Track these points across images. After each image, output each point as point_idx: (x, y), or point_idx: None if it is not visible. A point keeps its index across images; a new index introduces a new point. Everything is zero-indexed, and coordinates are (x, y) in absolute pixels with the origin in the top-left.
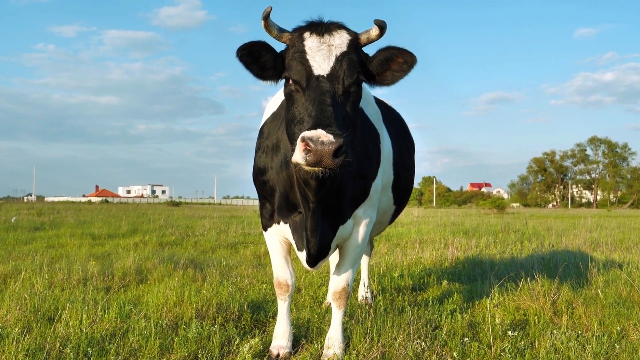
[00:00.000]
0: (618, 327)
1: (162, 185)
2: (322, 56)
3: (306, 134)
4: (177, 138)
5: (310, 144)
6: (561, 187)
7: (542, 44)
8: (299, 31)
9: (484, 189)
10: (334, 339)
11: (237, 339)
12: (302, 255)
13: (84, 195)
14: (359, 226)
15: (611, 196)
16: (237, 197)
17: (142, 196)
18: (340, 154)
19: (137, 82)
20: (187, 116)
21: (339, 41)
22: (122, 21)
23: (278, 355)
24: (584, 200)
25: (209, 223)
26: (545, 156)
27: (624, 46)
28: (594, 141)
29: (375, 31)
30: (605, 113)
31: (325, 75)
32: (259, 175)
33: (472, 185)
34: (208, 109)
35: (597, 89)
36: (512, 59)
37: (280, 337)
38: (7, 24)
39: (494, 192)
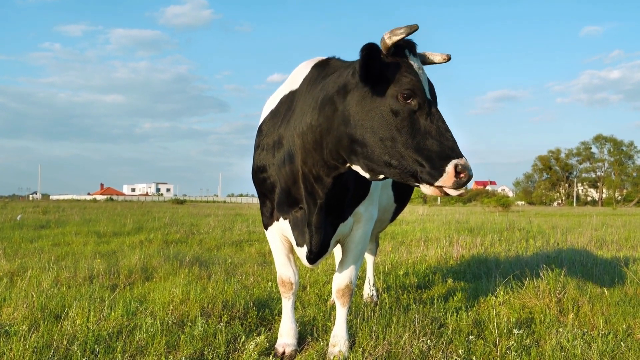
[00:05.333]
0: (624, 326)
1: (166, 184)
2: (424, 79)
3: (461, 162)
4: (182, 136)
5: (467, 171)
6: (566, 185)
7: (548, 42)
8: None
9: (488, 187)
10: (339, 336)
11: (243, 337)
12: (302, 252)
13: (89, 194)
14: (360, 223)
15: (617, 194)
16: (241, 195)
17: (147, 194)
18: None
19: (143, 81)
20: (192, 115)
21: (420, 64)
22: (128, 20)
23: (284, 352)
24: (589, 199)
25: (214, 221)
26: (551, 154)
27: (630, 44)
28: (599, 139)
29: (439, 58)
30: (612, 111)
31: (432, 100)
32: (259, 173)
33: (477, 183)
34: (213, 107)
35: (604, 87)
36: (518, 57)
37: (286, 335)
38: (13, 24)
39: (499, 190)
